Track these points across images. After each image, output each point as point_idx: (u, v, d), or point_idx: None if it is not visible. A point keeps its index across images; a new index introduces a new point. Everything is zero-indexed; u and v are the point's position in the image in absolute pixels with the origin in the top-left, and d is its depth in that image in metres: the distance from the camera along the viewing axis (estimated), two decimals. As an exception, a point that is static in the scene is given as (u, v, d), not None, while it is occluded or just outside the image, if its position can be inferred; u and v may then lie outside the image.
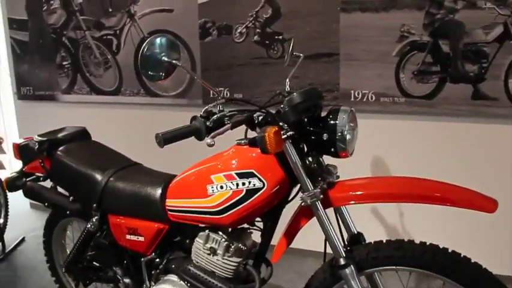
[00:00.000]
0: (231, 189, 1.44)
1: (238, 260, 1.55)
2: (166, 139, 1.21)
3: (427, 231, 2.62)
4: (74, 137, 2.08)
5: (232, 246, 1.54)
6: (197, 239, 1.62)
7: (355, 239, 1.51)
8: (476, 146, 2.50)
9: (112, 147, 2.06)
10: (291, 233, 1.46)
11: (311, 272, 1.49)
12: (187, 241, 1.70)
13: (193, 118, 1.30)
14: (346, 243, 1.51)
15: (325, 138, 1.34)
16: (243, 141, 1.48)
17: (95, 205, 1.80)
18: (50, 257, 2.32)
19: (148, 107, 3.27)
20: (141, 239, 1.71)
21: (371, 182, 1.39)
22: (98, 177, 1.81)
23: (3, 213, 3.31)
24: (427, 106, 2.50)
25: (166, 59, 1.41)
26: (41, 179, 2.07)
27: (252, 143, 1.39)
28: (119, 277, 1.88)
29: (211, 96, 2.97)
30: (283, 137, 1.33)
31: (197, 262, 1.63)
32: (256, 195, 1.41)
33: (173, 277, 1.69)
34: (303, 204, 1.36)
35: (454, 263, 1.22)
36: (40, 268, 2.86)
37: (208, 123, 1.28)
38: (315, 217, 1.37)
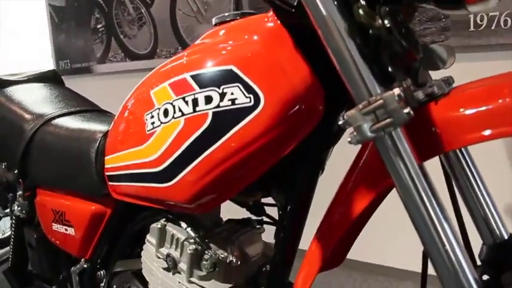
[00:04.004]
0: (183, 114, 0.61)
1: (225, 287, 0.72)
2: None
3: None
4: (34, 79, 1.41)
5: (207, 257, 0.71)
6: (148, 236, 0.81)
7: (502, 250, 0.59)
8: None
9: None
10: (346, 224, 0.60)
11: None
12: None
13: None
14: (480, 258, 0.61)
15: None
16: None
17: (16, 171, 1.08)
18: None
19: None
20: (71, 231, 0.95)
21: None
22: (25, 126, 1.09)
23: None
24: None
25: None
26: None
27: None
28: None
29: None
30: None
31: (150, 284, 0.81)
32: (241, 125, 0.57)
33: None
34: (350, 140, 0.50)
35: None
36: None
37: None
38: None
